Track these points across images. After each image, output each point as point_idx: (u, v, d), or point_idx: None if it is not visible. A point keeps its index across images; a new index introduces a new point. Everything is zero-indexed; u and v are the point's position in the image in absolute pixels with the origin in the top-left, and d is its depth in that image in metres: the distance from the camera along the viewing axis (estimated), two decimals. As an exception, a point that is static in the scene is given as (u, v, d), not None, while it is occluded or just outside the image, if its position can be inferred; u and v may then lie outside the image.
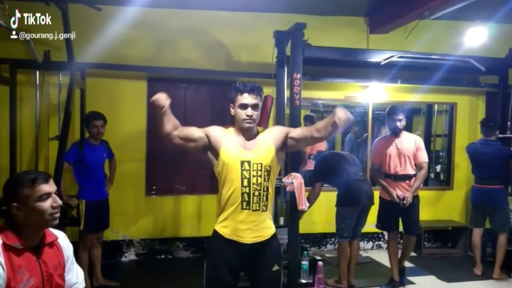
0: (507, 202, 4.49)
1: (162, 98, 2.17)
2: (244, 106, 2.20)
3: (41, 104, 4.18)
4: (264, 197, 2.21)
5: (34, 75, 4.13)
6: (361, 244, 5.27)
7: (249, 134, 2.25)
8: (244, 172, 2.17)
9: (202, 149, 2.27)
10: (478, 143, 4.48)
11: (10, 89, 4.05)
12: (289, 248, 3.96)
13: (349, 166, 3.95)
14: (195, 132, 2.26)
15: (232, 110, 2.26)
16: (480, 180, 4.41)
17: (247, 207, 2.18)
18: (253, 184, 2.18)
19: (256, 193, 2.18)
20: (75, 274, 1.81)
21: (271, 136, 2.28)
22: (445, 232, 5.23)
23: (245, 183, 2.17)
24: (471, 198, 4.56)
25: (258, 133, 2.30)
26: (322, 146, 5.66)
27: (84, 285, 1.87)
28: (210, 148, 2.26)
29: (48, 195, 1.62)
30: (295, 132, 2.33)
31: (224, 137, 2.25)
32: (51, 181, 1.66)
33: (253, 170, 2.18)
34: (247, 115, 2.19)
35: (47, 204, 1.61)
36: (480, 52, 4.75)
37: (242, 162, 2.18)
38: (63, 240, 1.77)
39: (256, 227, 2.20)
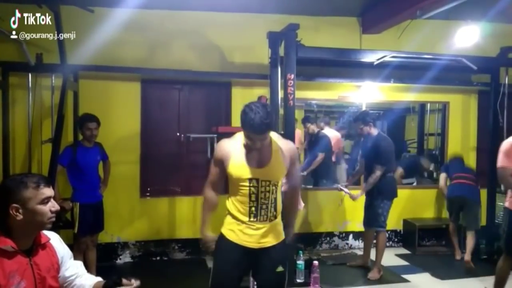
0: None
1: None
2: (252, 141, 2.16)
3: (33, 106, 4.16)
4: (272, 209, 2.24)
5: (27, 78, 4.11)
6: (356, 243, 5.31)
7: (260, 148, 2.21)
8: (252, 188, 2.19)
9: None
10: None
11: (2, 92, 4.03)
12: (285, 248, 3.97)
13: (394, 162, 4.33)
14: (218, 173, 2.29)
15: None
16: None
17: (255, 219, 2.21)
18: (261, 199, 2.20)
19: (264, 206, 2.21)
20: (75, 267, 1.83)
21: (285, 157, 2.24)
22: (439, 230, 5.26)
23: (253, 198, 2.20)
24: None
25: (270, 140, 2.22)
26: (337, 146, 5.75)
27: (85, 270, 1.88)
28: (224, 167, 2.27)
29: (49, 199, 1.64)
30: (293, 169, 2.35)
31: (232, 153, 2.21)
32: (51, 186, 1.68)
33: (261, 187, 2.19)
34: (256, 147, 2.17)
35: (47, 208, 1.62)
36: (472, 51, 4.79)
37: (250, 180, 2.19)
38: (55, 241, 1.76)
39: (263, 234, 2.24)
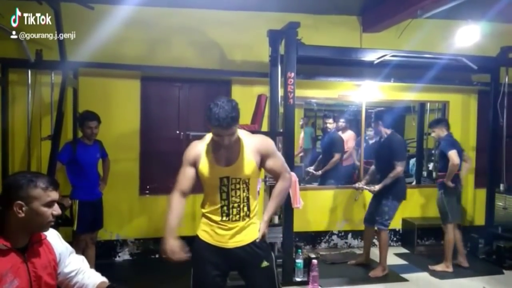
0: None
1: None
2: (220, 138, 2.15)
3: (33, 103, 4.15)
4: (245, 207, 2.24)
5: (26, 75, 4.10)
6: (357, 242, 5.32)
7: (228, 146, 2.21)
8: (223, 187, 2.20)
9: None
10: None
11: (1, 88, 4.03)
12: (284, 247, 3.97)
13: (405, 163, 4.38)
14: (190, 174, 2.26)
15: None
16: None
17: (227, 219, 2.22)
18: (232, 197, 2.20)
19: (236, 205, 2.21)
20: (76, 263, 1.81)
21: (254, 151, 2.23)
22: (438, 229, 5.24)
23: (224, 197, 2.21)
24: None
25: (238, 138, 2.23)
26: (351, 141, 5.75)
27: (88, 265, 1.87)
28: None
29: (53, 202, 1.63)
30: (272, 163, 2.30)
31: (202, 154, 2.23)
32: (58, 191, 1.67)
33: (232, 184, 2.20)
34: (224, 143, 2.16)
35: (49, 211, 1.62)
36: (472, 50, 4.79)
37: (221, 179, 2.19)
38: (52, 237, 1.75)
39: (236, 234, 2.23)
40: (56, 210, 1.64)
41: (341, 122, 5.85)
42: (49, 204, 1.61)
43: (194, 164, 2.24)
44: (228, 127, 2.09)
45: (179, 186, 2.28)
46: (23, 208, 1.56)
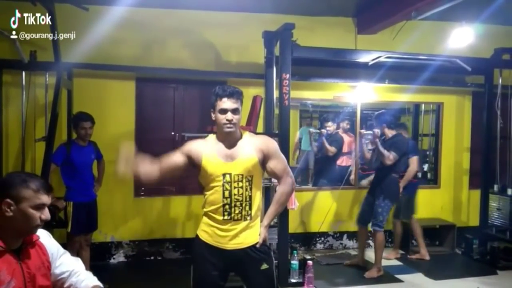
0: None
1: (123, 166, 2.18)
2: (224, 111, 2.18)
3: (27, 104, 4.13)
4: (247, 206, 2.22)
5: (20, 76, 4.08)
6: (351, 243, 5.33)
7: (230, 140, 2.23)
8: (225, 184, 2.18)
9: (188, 169, 2.29)
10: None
11: (-5, 89, 4.00)
12: (279, 248, 3.97)
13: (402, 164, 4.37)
14: (176, 160, 2.25)
15: (213, 115, 2.24)
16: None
17: (229, 217, 2.20)
18: (234, 195, 2.19)
19: (238, 203, 2.20)
20: (68, 265, 1.78)
21: (256, 149, 2.24)
22: (433, 230, 5.28)
23: (226, 195, 2.19)
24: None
25: (241, 136, 2.26)
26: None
27: (84, 266, 1.85)
28: (194, 165, 2.26)
29: (43, 206, 1.61)
30: (273, 164, 2.28)
31: (204, 150, 2.23)
32: (51, 195, 1.65)
33: (234, 182, 2.18)
34: (227, 120, 2.17)
35: (38, 214, 1.59)
36: (466, 52, 4.81)
37: (224, 175, 2.19)
38: (45, 238, 1.74)
39: (236, 235, 2.21)
40: (45, 214, 1.62)
41: (346, 124, 5.83)
42: (38, 207, 1.59)
43: (190, 158, 2.23)
44: (233, 96, 2.19)
45: (163, 158, 2.26)
46: (12, 207, 1.55)
